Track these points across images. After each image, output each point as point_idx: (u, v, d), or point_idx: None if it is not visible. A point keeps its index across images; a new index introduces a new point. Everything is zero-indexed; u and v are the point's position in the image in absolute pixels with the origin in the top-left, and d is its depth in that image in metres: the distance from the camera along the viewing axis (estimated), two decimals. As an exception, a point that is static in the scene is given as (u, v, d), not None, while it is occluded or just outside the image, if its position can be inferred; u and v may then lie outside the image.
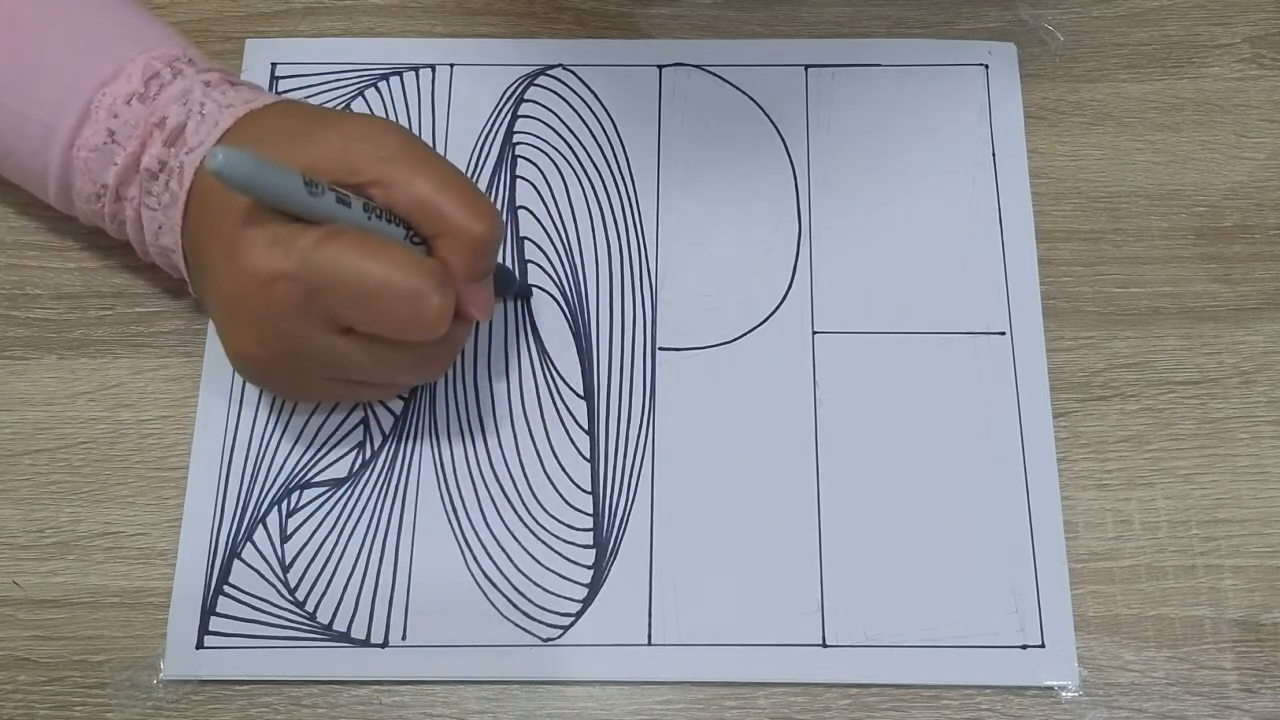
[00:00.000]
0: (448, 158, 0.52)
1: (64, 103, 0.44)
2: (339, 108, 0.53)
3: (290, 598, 0.46)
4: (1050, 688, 0.45)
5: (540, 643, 0.45)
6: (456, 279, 0.41)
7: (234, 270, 0.40)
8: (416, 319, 0.40)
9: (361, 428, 0.48)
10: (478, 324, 0.49)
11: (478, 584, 0.46)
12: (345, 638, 0.45)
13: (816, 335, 0.49)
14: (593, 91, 0.53)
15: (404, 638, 0.45)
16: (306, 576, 0.46)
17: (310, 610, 0.46)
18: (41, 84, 0.44)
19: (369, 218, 0.40)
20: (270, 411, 0.49)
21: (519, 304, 0.50)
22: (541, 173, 0.52)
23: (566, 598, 0.46)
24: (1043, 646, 0.45)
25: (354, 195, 0.40)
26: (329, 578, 0.46)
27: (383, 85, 0.54)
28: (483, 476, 0.48)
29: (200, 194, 0.42)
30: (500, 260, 0.48)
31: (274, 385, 0.46)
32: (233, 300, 0.41)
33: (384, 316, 0.40)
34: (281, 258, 0.39)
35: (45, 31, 0.45)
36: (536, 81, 0.54)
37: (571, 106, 0.53)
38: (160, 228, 0.44)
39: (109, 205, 0.45)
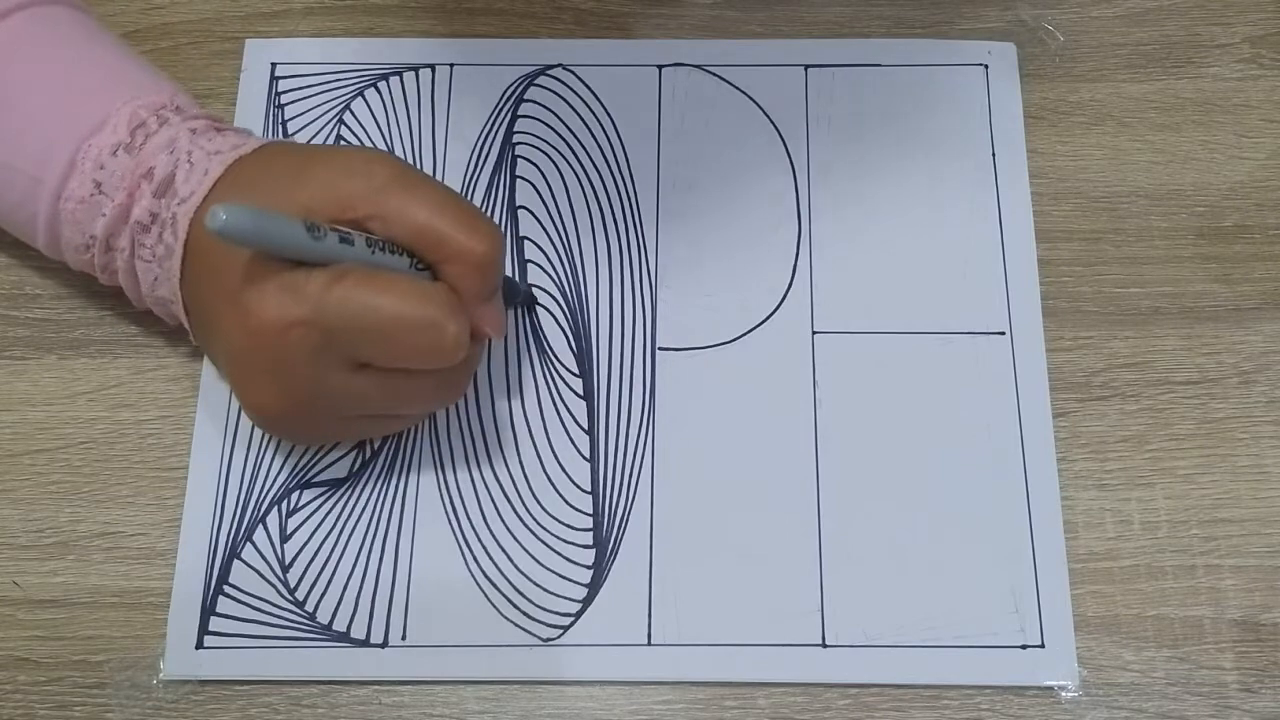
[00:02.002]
0: (447, 158, 0.52)
1: (50, 154, 0.43)
2: (342, 102, 0.53)
3: (290, 598, 0.46)
4: (1050, 688, 0.45)
5: (540, 643, 0.45)
6: (466, 300, 0.41)
7: (244, 324, 0.39)
8: (435, 348, 0.40)
9: (361, 428, 0.48)
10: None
11: (478, 584, 0.46)
12: (345, 638, 0.45)
13: (816, 335, 0.49)
14: (593, 91, 0.53)
15: (404, 638, 0.45)
16: (306, 576, 0.46)
17: (310, 610, 0.46)
18: (28, 135, 0.44)
19: (372, 252, 0.40)
20: (270, 411, 0.49)
21: (519, 309, 0.50)
22: (541, 173, 0.52)
23: (566, 598, 0.46)
24: (1042, 646, 0.45)
25: (355, 232, 0.40)
26: (329, 578, 0.46)
27: (383, 85, 0.54)
28: (482, 476, 0.48)
29: (197, 246, 0.42)
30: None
31: (293, 433, 0.46)
32: (246, 354, 0.40)
33: (403, 349, 0.40)
34: (292, 305, 0.39)
35: (31, 82, 0.44)
36: (536, 81, 0.54)
37: (571, 106, 0.53)
38: (156, 279, 0.44)
39: (98, 256, 0.44)
